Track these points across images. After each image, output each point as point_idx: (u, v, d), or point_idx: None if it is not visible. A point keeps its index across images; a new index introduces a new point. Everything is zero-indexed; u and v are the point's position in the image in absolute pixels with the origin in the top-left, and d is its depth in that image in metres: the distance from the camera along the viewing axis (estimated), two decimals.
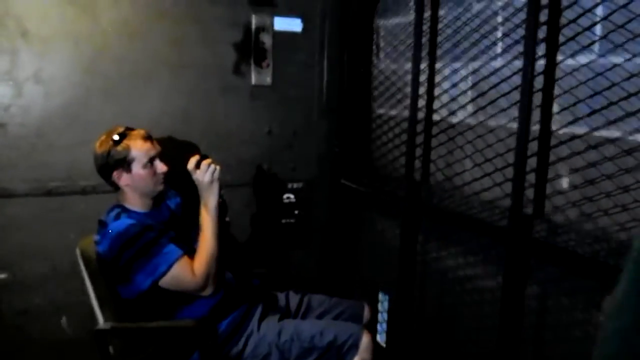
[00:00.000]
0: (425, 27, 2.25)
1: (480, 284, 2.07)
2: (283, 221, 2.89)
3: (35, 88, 2.35)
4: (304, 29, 2.77)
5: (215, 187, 1.97)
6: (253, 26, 2.65)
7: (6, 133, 2.33)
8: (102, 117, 2.41)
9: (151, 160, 1.98)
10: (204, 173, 1.93)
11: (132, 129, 2.00)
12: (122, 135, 1.95)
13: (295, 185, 2.88)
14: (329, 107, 2.87)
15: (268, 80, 2.73)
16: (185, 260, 1.89)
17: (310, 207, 2.94)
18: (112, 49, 2.44)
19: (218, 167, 1.96)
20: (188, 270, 1.88)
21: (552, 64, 1.70)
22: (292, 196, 2.87)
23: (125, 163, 1.94)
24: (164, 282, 1.86)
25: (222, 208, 2.09)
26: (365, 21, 2.82)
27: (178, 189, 2.28)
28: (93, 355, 1.86)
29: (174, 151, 2.17)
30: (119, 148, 1.93)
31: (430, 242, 2.38)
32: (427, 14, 2.25)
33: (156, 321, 1.92)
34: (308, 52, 2.81)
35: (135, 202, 2.02)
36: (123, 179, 1.96)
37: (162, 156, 2.04)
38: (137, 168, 1.96)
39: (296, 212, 2.90)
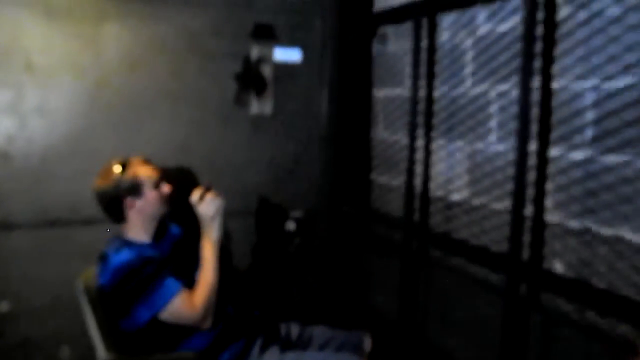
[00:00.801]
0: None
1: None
2: (283, 250, 2.89)
3: (39, 120, 2.38)
4: (303, 59, 2.81)
5: (218, 220, 1.98)
6: (253, 57, 2.69)
7: (10, 164, 2.36)
8: (104, 148, 2.44)
9: (157, 182, 2.01)
10: (208, 206, 1.95)
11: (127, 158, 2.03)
12: (124, 164, 1.97)
13: (296, 214, 2.89)
14: (329, 136, 2.89)
15: (268, 110, 2.76)
16: (184, 293, 1.89)
17: (311, 235, 2.94)
18: (115, 81, 2.48)
19: (221, 200, 1.98)
20: (187, 303, 1.88)
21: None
22: (292, 224, 2.88)
23: (135, 189, 1.96)
24: (164, 315, 1.85)
25: (224, 240, 2.10)
26: (363, 49, 2.85)
27: (178, 220, 2.29)
28: None
29: (175, 181, 2.18)
30: (127, 176, 1.95)
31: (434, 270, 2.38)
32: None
33: (157, 353, 1.91)
34: (308, 82, 2.85)
35: (139, 232, 2.03)
36: (135, 205, 1.97)
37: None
38: (147, 191, 1.98)
39: (297, 240, 2.90)
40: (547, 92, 1.70)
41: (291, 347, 2.16)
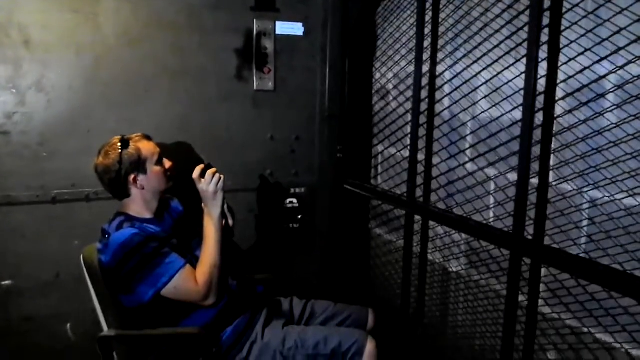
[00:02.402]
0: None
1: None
2: (285, 226, 2.89)
3: (37, 96, 2.36)
4: (305, 33, 2.77)
5: (220, 197, 1.97)
6: (255, 31, 2.66)
7: (10, 141, 2.34)
8: (104, 124, 2.43)
9: (160, 158, 2.02)
10: (209, 183, 1.93)
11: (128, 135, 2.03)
12: (126, 141, 1.97)
13: (297, 191, 2.88)
14: (331, 112, 2.86)
15: (270, 85, 2.73)
16: (187, 270, 1.89)
17: (313, 212, 2.94)
18: (114, 57, 2.45)
19: (222, 177, 1.96)
20: (190, 280, 1.88)
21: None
22: (294, 201, 2.87)
23: (139, 164, 1.96)
24: (167, 292, 1.85)
25: (226, 216, 2.09)
26: (366, 25, 2.82)
27: (180, 197, 2.29)
28: None
29: (176, 158, 2.16)
30: (130, 151, 1.95)
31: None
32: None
33: (160, 328, 1.92)
34: (310, 57, 2.81)
35: (141, 209, 2.02)
36: (139, 181, 1.97)
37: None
38: (151, 167, 1.98)
39: (299, 217, 2.89)
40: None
41: (294, 322, 2.17)
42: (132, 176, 1.96)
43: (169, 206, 2.20)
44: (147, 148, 1.99)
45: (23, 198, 2.38)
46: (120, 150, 1.94)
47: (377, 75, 2.81)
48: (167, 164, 2.06)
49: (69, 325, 2.53)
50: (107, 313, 1.93)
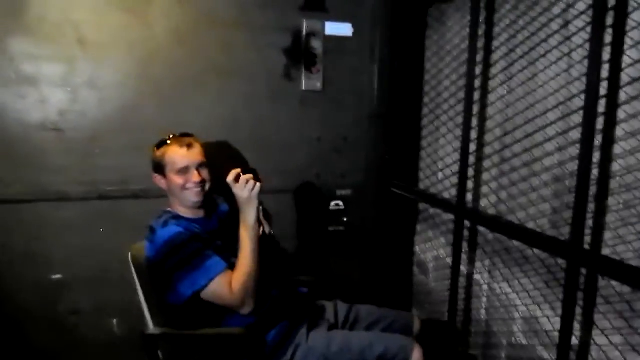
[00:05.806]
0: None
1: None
2: (330, 229, 2.86)
3: (90, 94, 2.40)
4: (354, 34, 2.74)
5: (254, 204, 1.90)
6: (304, 31, 2.64)
7: (62, 137, 2.39)
8: (153, 122, 2.45)
9: (185, 169, 1.97)
10: (242, 188, 1.87)
11: (186, 135, 2.04)
12: (163, 142, 2.02)
13: (343, 192, 2.85)
14: (379, 113, 2.82)
15: (318, 85, 2.71)
16: (226, 275, 1.85)
17: (358, 214, 2.90)
18: (164, 56, 2.47)
19: (258, 185, 1.89)
20: (226, 286, 1.84)
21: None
22: (340, 203, 2.84)
23: (159, 167, 2.01)
24: (204, 295, 1.84)
25: (263, 222, 2.06)
26: (415, 26, 2.77)
27: (227, 197, 2.28)
28: (141, 358, 1.87)
29: (222, 157, 2.16)
30: (157, 153, 2.01)
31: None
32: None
33: (203, 328, 1.91)
34: (359, 57, 2.78)
35: (183, 208, 2.03)
36: (161, 183, 2.04)
37: (204, 166, 2.02)
38: (170, 174, 1.99)
39: (344, 219, 2.86)
40: None
41: (338, 326, 2.13)
42: (156, 177, 2.04)
43: (216, 206, 2.19)
44: (174, 154, 1.98)
45: (74, 194, 2.43)
46: (153, 148, 2.03)
47: (427, 77, 2.76)
48: (195, 177, 1.98)
49: (115, 320, 2.56)
50: (153, 310, 1.94)
